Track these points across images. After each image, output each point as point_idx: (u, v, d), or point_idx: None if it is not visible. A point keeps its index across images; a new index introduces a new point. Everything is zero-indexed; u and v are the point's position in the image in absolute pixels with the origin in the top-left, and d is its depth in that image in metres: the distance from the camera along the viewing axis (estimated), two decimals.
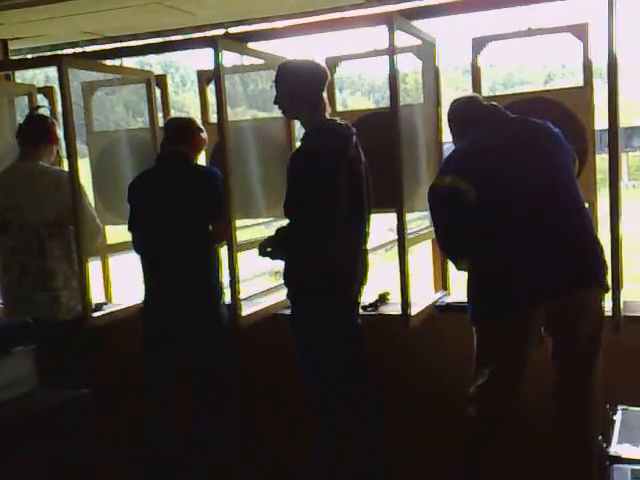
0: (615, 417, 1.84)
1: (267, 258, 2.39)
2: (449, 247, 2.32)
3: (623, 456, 1.67)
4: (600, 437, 1.73)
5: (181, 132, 2.81)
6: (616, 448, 1.69)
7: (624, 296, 2.44)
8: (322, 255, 2.28)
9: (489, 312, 2.21)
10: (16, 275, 2.86)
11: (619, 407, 1.88)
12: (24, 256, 2.85)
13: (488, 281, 2.21)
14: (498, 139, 2.24)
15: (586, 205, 2.31)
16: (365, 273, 2.44)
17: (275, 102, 2.38)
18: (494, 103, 2.34)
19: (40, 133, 2.95)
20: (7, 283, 2.92)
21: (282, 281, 2.53)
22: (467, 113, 2.33)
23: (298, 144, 2.85)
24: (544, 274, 2.13)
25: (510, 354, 2.19)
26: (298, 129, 2.85)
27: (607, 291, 2.27)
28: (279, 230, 2.37)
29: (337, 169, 2.26)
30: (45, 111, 3.12)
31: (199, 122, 2.92)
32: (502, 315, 2.17)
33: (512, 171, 2.17)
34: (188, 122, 2.86)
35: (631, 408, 1.89)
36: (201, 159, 3.16)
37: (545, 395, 2.27)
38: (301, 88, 2.33)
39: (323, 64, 2.43)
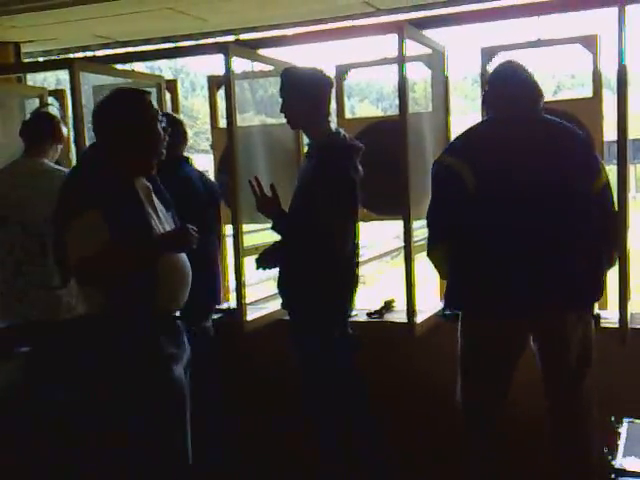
0: (621, 430, 1.82)
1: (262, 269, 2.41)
2: (432, 222, 2.22)
3: (628, 469, 1.65)
4: (605, 450, 1.72)
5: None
6: (621, 461, 1.68)
7: (631, 308, 2.43)
8: (333, 266, 2.30)
9: (465, 312, 2.21)
10: (9, 273, 2.85)
11: (625, 420, 1.86)
12: (22, 254, 2.83)
13: (468, 279, 2.16)
14: (511, 140, 2.10)
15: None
16: (357, 282, 2.46)
17: (281, 111, 2.37)
18: (534, 83, 2.13)
19: (45, 131, 2.94)
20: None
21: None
22: (502, 90, 2.15)
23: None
24: (523, 291, 2.07)
25: (481, 359, 2.20)
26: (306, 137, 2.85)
27: (593, 316, 2.22)
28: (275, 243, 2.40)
29: (357, 188, 2.29)
30: (53, 110, 3.12)
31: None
32: (476, 315, 2.17)
33: (513, 176, 2.07)
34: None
35: (637, 421, 1.87)
36: (209, 164, 3.17)
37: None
38: (306, 96, 2.29)
39: (327, 72, 2.41)
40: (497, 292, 2.10)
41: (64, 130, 3.00)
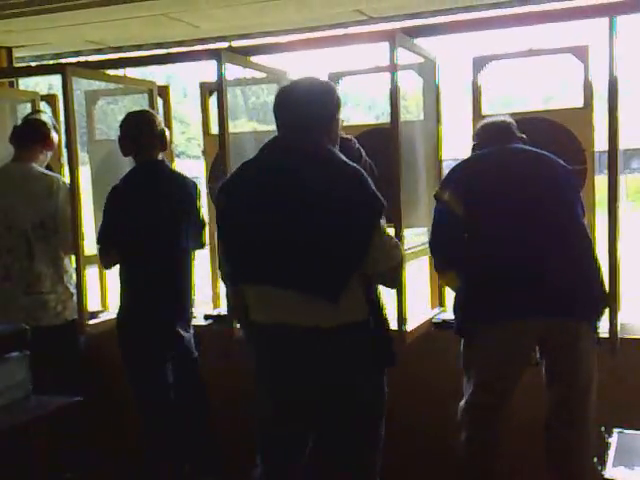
0: (611, 440, 1.82)
1: None
2: (435, 255, 2.40)
3: (618, 479, 1.65)
4: (595, 460, 1.72)
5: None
6: (611, 471, 1.68)
7: (621, 318, 2.44)
8: None
9: (474, 319, 2.22)
10: None
11: (615, 430, 1.86)
12: (9, 258, 2.82)
13: (475, 290, 2.22)
14: (505, 164, 2.26)
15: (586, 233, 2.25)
16: None
17: None
18: (522, 136, 2.34)
19: (36, 137, 2.93)
20: None
21: None
22: (490, 129, 2.36)
23: None
24: (534, 293, 2.12)
25: (491, 364, 2.20)
26: None
27: (595, 330, 2.23)
28: None
29: None
30: (45, 117, 3.10)
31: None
32: (486, 322, 2.18)
33: (508, 195, 2.18)
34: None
35: (627, 431, 1.87)
36: (200, 169, 3.14)
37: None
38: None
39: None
40: (510, 299, 2.13)
41: (55, 137, 2.99)
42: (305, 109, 1.84)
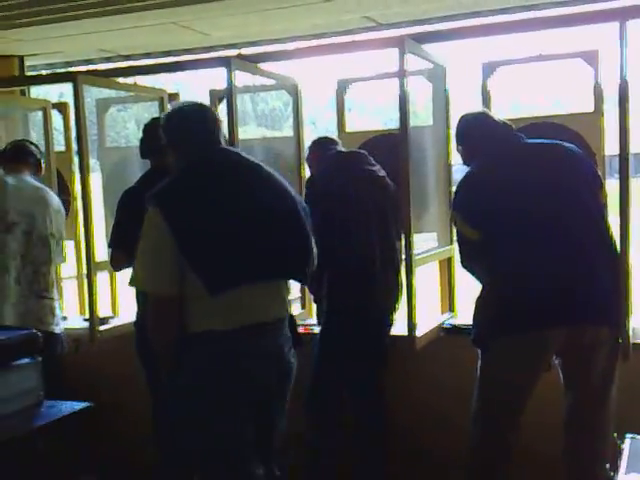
0: (623, 446, 1.80)
1: None
2: (467, 271, 2.33)
3: None
4: (607, 466, 1.70)
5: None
6: (623, 478, 1.66)
7: (634, 322, 2.42)
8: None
9: (505, 329, 2.15)
10: (11, 279, 2.85)
11: (627, 436, 1.84)
12: (21, 263, 2.84)
13: (506, 300, 2.15)
14: (508, 170, 2.19)
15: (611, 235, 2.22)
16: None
17: None
18: (505, 121, 2.30)
19: (30, 158, 2.97)
20: None
21: None
22: (477, 131, 2.28)
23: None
24: (562, 300, 2.09)
25: (512, 373, 2.17)
26: (306, 150, 2.86)
27: (619, 335, 2.22)
28: None
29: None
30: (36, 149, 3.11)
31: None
32: (519, 331, 2.13)
33: (522, 205, 2.13)
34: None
35: (639, 437, 1.85)
36: None
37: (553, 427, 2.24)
38: None
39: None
40: (538, 306, 2.10)
41: (43, 166, 3.06)
42: (212, 123, 2.00)
